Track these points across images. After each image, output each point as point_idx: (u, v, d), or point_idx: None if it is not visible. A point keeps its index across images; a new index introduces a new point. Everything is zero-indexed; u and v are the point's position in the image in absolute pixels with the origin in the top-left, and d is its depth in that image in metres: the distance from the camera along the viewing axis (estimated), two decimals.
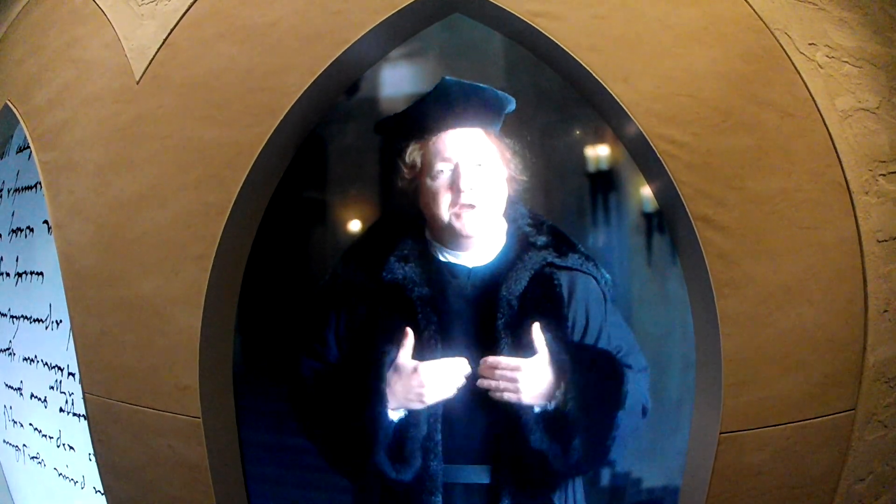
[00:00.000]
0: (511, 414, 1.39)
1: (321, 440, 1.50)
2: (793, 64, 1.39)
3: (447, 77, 1.45)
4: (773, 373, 1.39)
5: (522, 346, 1.40)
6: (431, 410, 1.40)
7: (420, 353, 1.40)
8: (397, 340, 1.40)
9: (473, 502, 1.43)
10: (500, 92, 1.49)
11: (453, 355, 1.41)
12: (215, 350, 1.53)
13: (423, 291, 1.43)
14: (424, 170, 1.45)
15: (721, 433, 1.39)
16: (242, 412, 1.61)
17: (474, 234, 1.45)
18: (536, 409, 1.39)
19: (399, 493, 1.43)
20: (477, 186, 1.42)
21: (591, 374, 1.40)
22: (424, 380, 1.37)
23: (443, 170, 1.43)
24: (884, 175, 1.44)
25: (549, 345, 1.39)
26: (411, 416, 1.39)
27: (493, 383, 1.37)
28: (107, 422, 1.59)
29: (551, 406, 1.38)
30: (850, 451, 1.43)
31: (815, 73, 1.40)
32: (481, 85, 1.48)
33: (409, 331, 1.38)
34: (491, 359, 1.38)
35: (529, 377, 1.37)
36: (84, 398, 1.61)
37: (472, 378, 1.40)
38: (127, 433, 1.57)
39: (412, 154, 1.46)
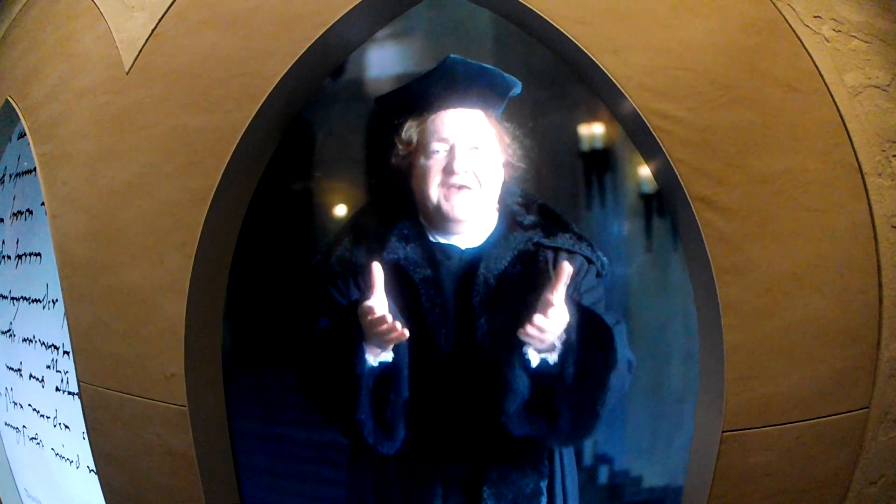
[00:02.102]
0: (493, 400, 1.26)
1: (316, 395, 1.38)
2: (797, 37, 1.23)
3: (452, 55, 1.34)
4: (780, 367, 1.23)
5: (499, 322, 1.28)
6: (413, 375, 1.27)
7: (425, 334, 1.29)
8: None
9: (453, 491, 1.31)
10: (506, 74, 1.37)
11: (452, 335, 1.29)
12: (202, 338, 1.43)
13: (427, 273, 1.31)
14: (420, 148, 1.34)
15: (724, 431, 1.24)
16: (234, 402, 1.51)
17: (464, 218, 1.32)
18: (533, 363, 1.25)
19: (391, 472, 1.32)
20: (471, 169, 1.30)
21: (582, 330, 1.26)
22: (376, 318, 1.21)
23: (438, 150, 1.31)
24: None
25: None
26: (391, 366, 1.27)
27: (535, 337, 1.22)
28: (99, 410, 1.51)
29: (552, 359, 1.24)
30: (863, 452, 1.26)
31: (822, 46, 1.24)
32: (487, 66, 1.36)
33: (376, 265, 1.22)
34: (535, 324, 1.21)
35: (560, 316, 1.21)
36: (78, 386, 1.53)
37: (451, 368, 1.28)
38: (118, 421, 1.48)
39: (409, 131, 1.34)
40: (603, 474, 1.47)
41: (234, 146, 1.34)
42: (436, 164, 1.31)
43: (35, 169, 1.57)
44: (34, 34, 1.65)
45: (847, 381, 1.24)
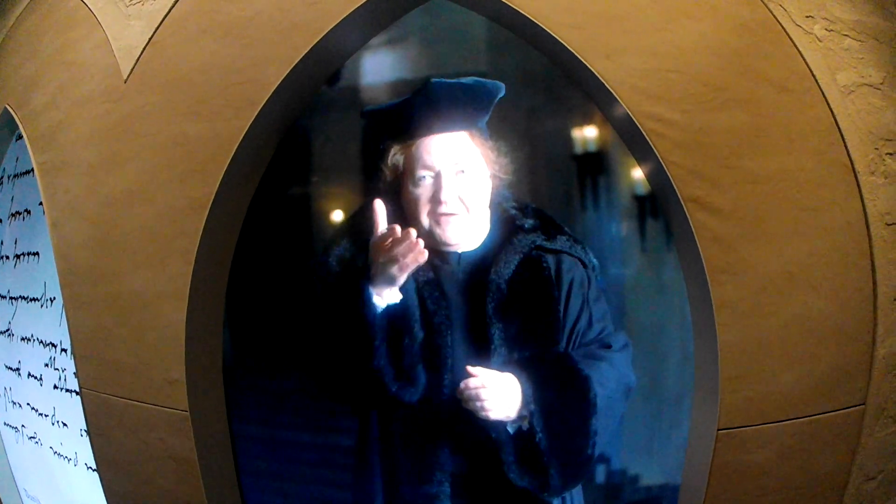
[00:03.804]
0: (489, 445, 1.28)
1: (322, 363, 1.34)
2: (789, 37, 1.22)
3: (433, 79, 1.33)
4: (775, 366, 1.22)
5: (513, 330, 1.28)
6: (422, 313, 1.27)
7: (430, 337, 1.28)
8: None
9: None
10: (488, 81, 1.36)
11: (455, 341, 1.29)
12: (203, 344, 1.42)
13: (429, 276, 1.31)
14: (406, 173, 1.34)
15: (719, 430, 1.22)
16: (235, 406, 1.50)
17: (456, 242, 1.33)
18: (510, 430, 1.28)
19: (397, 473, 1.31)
20: (458, 195, 1.31)
21: (552, 386, 1.27)
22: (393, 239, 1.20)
23: (424, 176, 1.31)
24: (891, 154, 1.26)
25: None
26: (401, 307, 1.25)
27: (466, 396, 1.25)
28: (102, 415, 1.50)
29: (525, 426, 1.26)
30: (860, 448, 1.25)
31: (814, 46, 1.23)
32: (467, 81, 1.35)
33: (378, 202, 1.24)
34: (463, 383, 1.26)
35: (495, 390, 1.25)
36: (80, 393, 1.52)
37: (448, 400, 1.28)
38: (122, 427, 1.48)
39: (394, 157, 1.34)
40: (600, 473, 1.46)
41: (233, 153, 1.33)
42: (424, 193, 1.31)
43: (32, 169, 1.56)
44: (32, 43, 1.65)
45: (843, 378, 1.23)
